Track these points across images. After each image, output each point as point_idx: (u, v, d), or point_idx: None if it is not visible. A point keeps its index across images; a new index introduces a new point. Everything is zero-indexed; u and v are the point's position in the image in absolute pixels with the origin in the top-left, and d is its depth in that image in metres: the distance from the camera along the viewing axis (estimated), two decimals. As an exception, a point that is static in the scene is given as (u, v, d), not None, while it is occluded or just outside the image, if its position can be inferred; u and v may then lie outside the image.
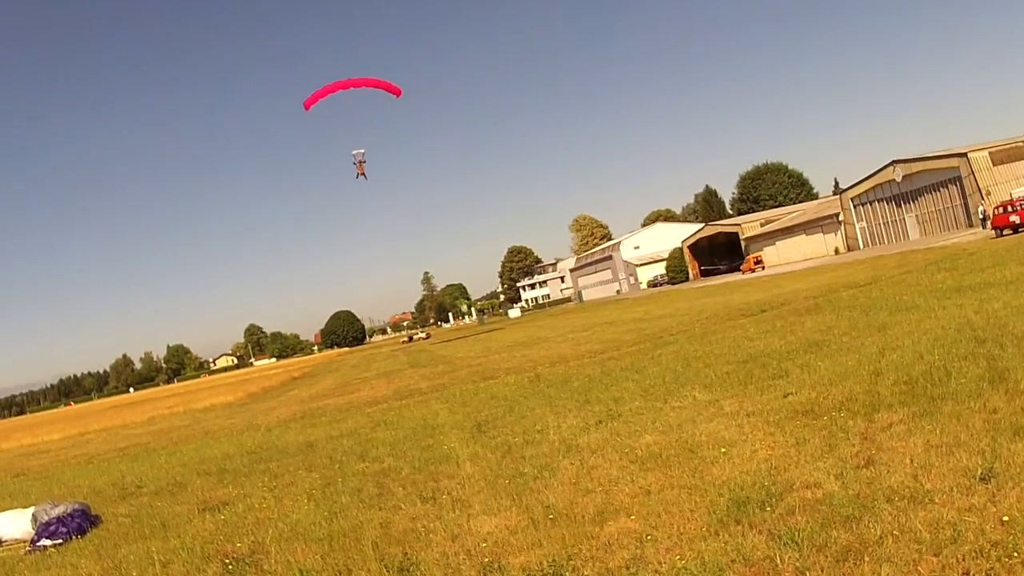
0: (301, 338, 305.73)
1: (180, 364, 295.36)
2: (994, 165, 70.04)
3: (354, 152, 58.61)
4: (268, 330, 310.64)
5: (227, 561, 10.65)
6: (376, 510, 12.01)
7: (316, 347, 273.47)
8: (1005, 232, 48.33)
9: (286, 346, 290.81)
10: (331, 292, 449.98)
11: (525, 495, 11.00)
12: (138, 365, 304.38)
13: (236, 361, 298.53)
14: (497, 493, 11.46)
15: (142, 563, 11.48)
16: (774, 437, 11.19)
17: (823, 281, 45.42)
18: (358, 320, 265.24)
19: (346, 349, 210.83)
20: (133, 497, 18.20)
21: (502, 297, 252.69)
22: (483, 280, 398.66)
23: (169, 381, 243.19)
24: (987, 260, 32.14)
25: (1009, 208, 49.19)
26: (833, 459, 9.57)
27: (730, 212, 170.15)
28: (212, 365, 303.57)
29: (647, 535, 8.47)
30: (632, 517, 9.15)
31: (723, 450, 11.03)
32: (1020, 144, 71.45)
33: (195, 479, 19.04)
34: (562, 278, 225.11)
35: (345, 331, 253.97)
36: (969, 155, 70.63)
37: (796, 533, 7.58)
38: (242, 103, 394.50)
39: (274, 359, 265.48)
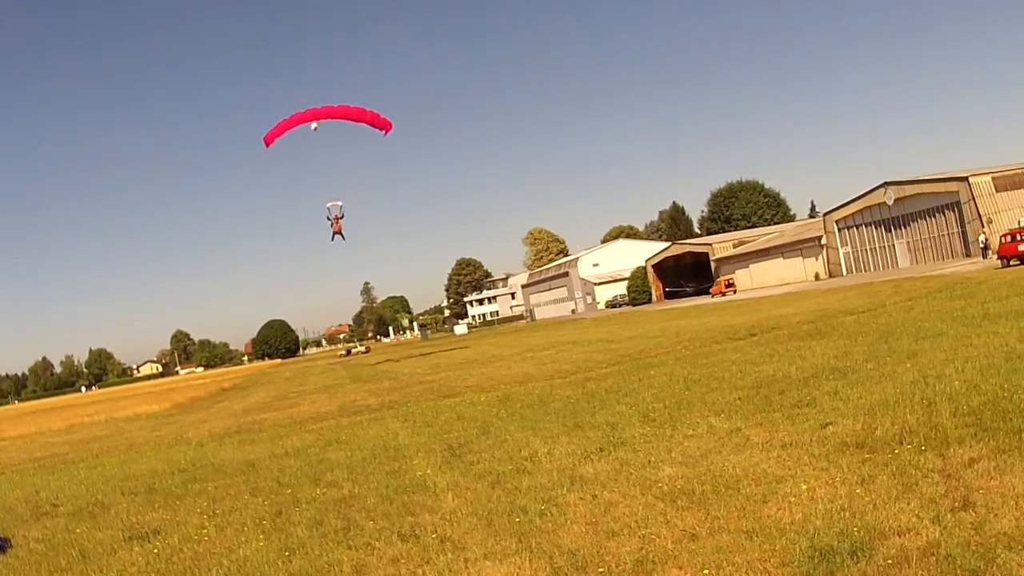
0: (231, 347, 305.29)
1: (102, 370, 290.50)
2: (997, 191, 70.40)
3: (328, 206, 56.00)
4: (196, 337, 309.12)
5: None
6: (344, 548, 10.78)
7: (246, 357, 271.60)
8: (1012, 262, 48.31)
9: (214, 355, 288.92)
10: (264, 300, 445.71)
11: (533, 536, 9.88)
12: (58, 369, 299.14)
13: (161, 369, 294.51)
14: (496, 532, 10.33)
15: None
16: (828, 473, 10.42)
17: (811, 306, 45.62)
18: (292, 330, 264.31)
19: (279, 361, 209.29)
20: (48, 517, 16.86)
21: (447, 312, 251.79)
22: (428, 293, 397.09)
23: (90, 387, 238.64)
24: (1005, 289, 32.08)
25: (1018, 237, 49.21)
26: (918, 500, 8.82)
27: (697, 231, 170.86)
28: (136, 372, 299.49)
29: (712, 593, 7.46)
30: (683, 570, 8.09)
31: (770, 487, 10.21)
32: (1026, 170, 72.11)
33: (119, 499, 17.71)
34: (513, 294, 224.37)
35: (278, 341, 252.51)
36: (970, 179, 70.87)
37: (916, 593, 6.67)
38: (170, 96, 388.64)
39: (201, 368, 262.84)
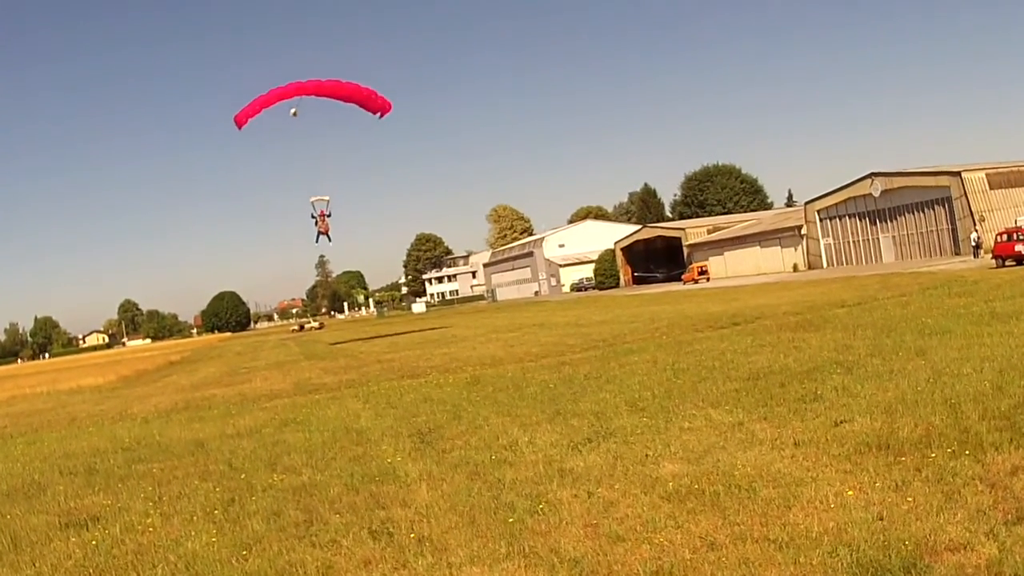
0: (180, 319, 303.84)
1: (47, 339, 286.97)
2: (991, 189, 70.52)
3: (313, 201, 53.35)
4: (144, 308, 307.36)
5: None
6: (307, 546, 10.01)
7: (195, 330, 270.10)
8: (1008, 263, 48.23)
9: (162, 327, 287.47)
10: (216, 270, 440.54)
11: (525, 539, 9.16)
12: (1, 337, 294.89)
13: (107, 340, 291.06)
14: (480, 533, 9.61)
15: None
16: (854, 476, 9.88)
17: (794, 297, 45.42)
18: (243, 303, 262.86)
19: (229, 334, 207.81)
20: (-20, 498, 15.95)
21: (404, 289, 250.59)
22: (385, 269, 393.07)
23: (35, 357, 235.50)
24: (1008, 289, 31.86)
25: (1016, 236, 49.12)
26: (964, 511, 8.31)
27: (669, 215, 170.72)
28: (81, 342, 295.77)
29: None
30: (709, 585, 7.39)
31: (791, 490, 9.63)
32: (1023, 168, 71.97)
33: (57, 479, 16.77)
34: (474, 273, 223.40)
35: (229, 314, 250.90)
36: (963, 175, 70.92)
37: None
38: (126, 55, 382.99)
39: (148, 340, 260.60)
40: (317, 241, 53.92)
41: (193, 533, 11.07)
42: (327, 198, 53.16)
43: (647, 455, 12.17)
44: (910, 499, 8.76)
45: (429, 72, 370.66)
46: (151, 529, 11.62)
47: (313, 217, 52.92)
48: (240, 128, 45.59)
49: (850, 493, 9.12)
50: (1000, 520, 7.92)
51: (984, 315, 23.62)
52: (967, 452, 10.06)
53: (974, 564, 7.05)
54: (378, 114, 48.09)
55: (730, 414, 14.38)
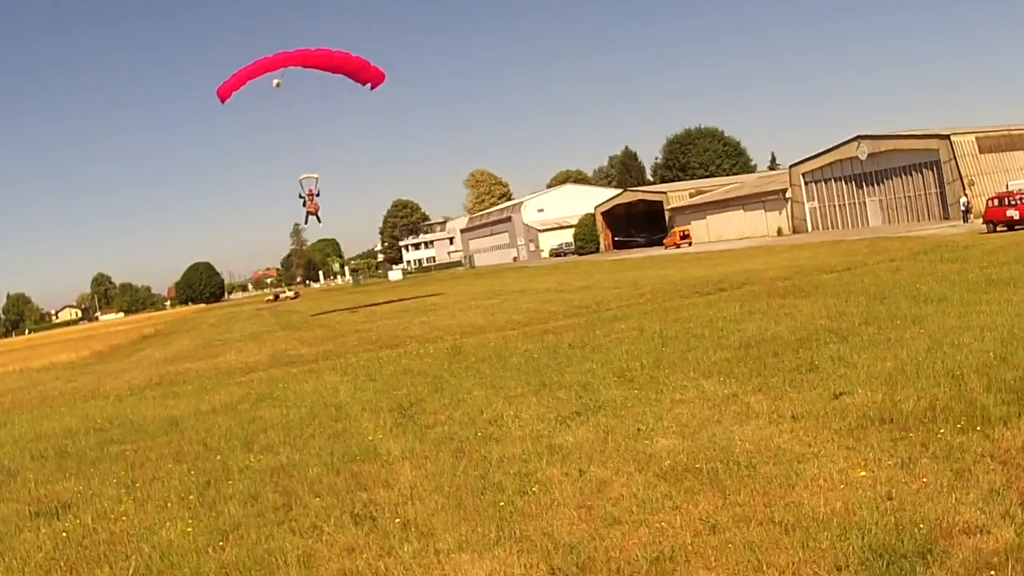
0: (153, 291, 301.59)
1: (20, 315, 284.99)
2: (981, 153, 70.16)
3: (301, 179, 52.42)
4: (117, 280, 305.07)
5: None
6: (287, 532, 9.75)
7: (168, 302, 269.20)
8: (999, 228, 48.08)
9: (136, 299, 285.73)
10: (189, 240, 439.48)
11: (516, 522, 8.93)
12: None
13: (80, 314, 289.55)
14: (468, 516, 9.36)
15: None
16: (858, 453, 9.69)
17: (780, 262, 45.46)
18: (217, 274, 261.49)
19: (203, 305, 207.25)
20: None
21: (380, 256, 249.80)
22: (362, 236, 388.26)
23: (8, 334, 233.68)
24: (1002, 255, 31.58)
25: (1007, 201, 48.93)
26: (977, 491, 8.11)
27: (651, 179, 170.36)
28: (55, 317, 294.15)
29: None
30: (712, 572, 7.16)
31: (792, 467, 9.42)
32: (1013, 132, 71.89)
33: (28, 464, 16.47)
34: (451, 239, 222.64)
35: (203, 285, 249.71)
36: (952, 138, 70.46)
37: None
38: (97, 25, 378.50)
39: (122, 313, 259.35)
40: (306, 222, 53.17)
41: (168, 520, 10.83)
42: (316, 176, 52.44)
43: (639, 429, 11.98)
44: (919, 478, 8.57)
45: (406, 37, 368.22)
46: (124, 517, 11.34)
47: (301, 197, 52.23)
48: (224, 102, 44.49)
49: (862, 473, 8.88)
50: (1016, 501, 7.71)
51: (980, 282, 23.48)
52: (975, 427, 9.88)
53: (991, 548, 6.83)
54: (368, 85, 46.91)
55: (723, 385, 14.22)
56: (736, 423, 11.63)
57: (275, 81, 43.28)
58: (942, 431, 9.87)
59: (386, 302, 65.39)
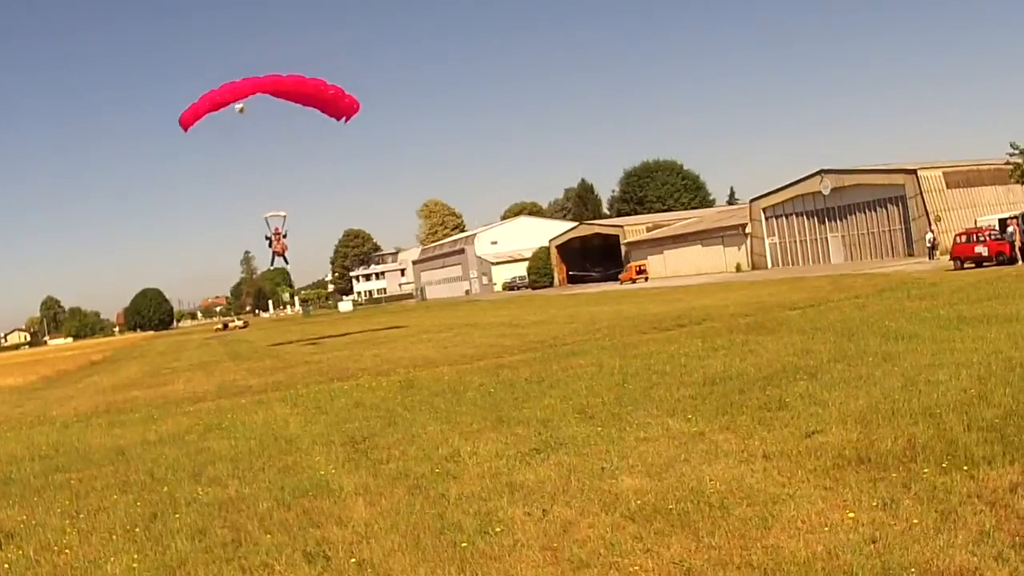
0: (102, 316, 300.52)
1: None
2: (948, 188, 71.25)
3: (267, 217, 50.89)
4: (67, 305, 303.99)
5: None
6: (237, 570, 9.49)
7: (117, 328, 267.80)
8: (967, 264, 48.54)
9: (85, 324, 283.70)
10: (139, 266, 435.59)
11: (478, 564, 8.68)
12: None
13: (29, 338, 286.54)
14: (427, 557, 9.10)
15: None
16: (836, 493, 9.55)
17: (740, 298, 45.70)
18: (167, 301, 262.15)
19: (151, 333, 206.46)
20: None
21: (331, 287, 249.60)
22: (312, 266, 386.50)
23: None
24: (972, 292, 31.83)
25: (975, 238, 49.41)
26: (966, 533, 7.99)
27: (607, 212, 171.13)
28: (3, 341, 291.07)
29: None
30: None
31: (767, 508, 9.24)
32: (981, 168, 72.84)
33: (-30, 492, 16.21)
34: (403, 271, 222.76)
35: (151, 312, 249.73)
36: (919, 173, 71.49)
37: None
38: (45, 38, 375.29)
39: (70, 338, 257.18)
40: (272, 263, 52.20)
41: (113, 554, 10.66)
42: (283, 214, 51.18)
43: (603, 468, 11.79)
44: (903, 519, 8.44)
45: (360, 63, 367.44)
46: (68, 549, 11.16)
47: (268, 238, 51.11)
48: (186, 130, 42.57)
49: (851, 515, 8.69)
50: (1007, 543, 7.60)
51: (952, 319, 23.55)
52: (959, 467, 9.78)
53: (988, 596, 6.62)
54: (343, 119, 44.99)
55: (689, 423, 14.07)
56: (705, 462, 11.44)
57: (238, 107, 41.74)
58: (925, 471, 9.76)
59: (339, 335, 64.94)
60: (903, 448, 10.81)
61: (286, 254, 51.70)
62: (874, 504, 8.94)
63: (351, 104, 44.47)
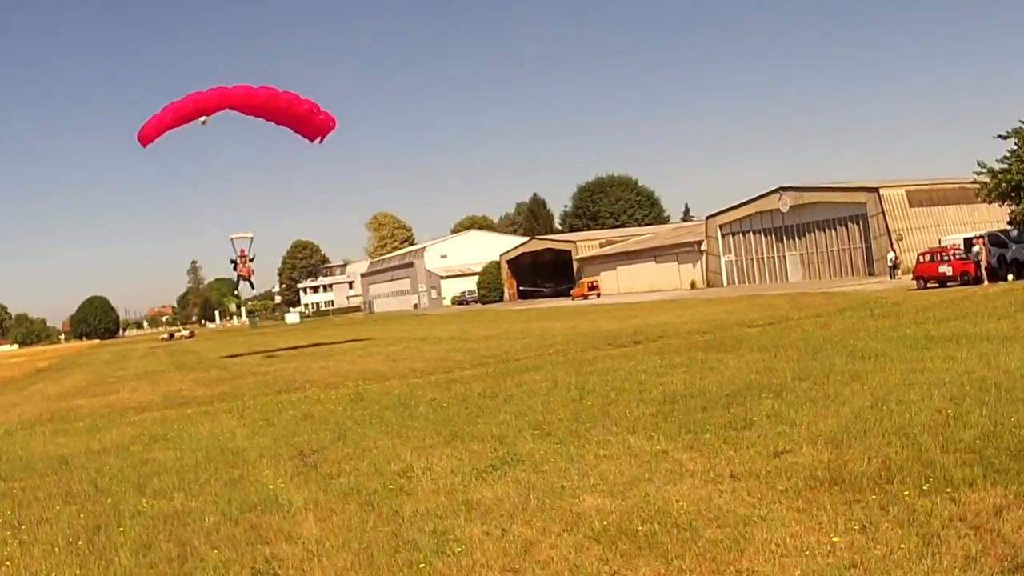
0: (48, 324, 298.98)
1: None
2: (911, 206, 71.84)
3: (233, 239, 50.27)
4: (13, 311, 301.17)
5: None
6: None
7: (63, 336, 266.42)
8: (930, 284, 48.82)
9: (31, 331, 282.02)
10: (86, 274, 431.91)
11: None
12: None
13: None
14: None
15: None
16: (810, 515, 9.33)
17: (697, 316, 46.00)
18: (113, 309, 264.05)
19: (97, 341, 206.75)
20: None
21: (278, 299, 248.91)
22: (259, 276, 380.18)
23: None
24: (938, 312, 31.93)
25: (940, 257, 49.71)
26: (951, 558, 7.76)
27: (559, 227, 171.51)
28: None
29: None
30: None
31: (739, 530, 9.00)
32: (945, 186, 73.49)
33: (-90, 502, 16.02)
34: (351, 283, 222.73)
35: (98, 320, 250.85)
36: (881, 191, 71.96)
37: None
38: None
39: (16, 345, 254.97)
40: (237, 286, 51.43)
41: (54, 568, 10.51)
42: (250, 235, 50.64)
43: (563, 486, 11.56)
44: (883, 544, 8.20)
45: (308, 73, 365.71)
46: (9, 561, 11.05)
47: (233, 261, 50.58)
48: (144, 146, 40.76)
49: (836, 539, 8.44)
50: (996, 569, 7.41)
51: (919, 338, 23.59)
52: (940, 489, 9.60)
53: (979, 625, 6.41)
54: (318, 139, 43.50)
55: (651, 441, 13.88)
56: (669, 482, 11.23)
57: (202, 119, 40.40)
58: (904, 493, 9.57)
59: (287, 348, 64.60)
60: (878, 469, 10.64)
61: (252, 279, 51.05)
62: (852, 527, 8.72)
63: (325, 122, 43.15)
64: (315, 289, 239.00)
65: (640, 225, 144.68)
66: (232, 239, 50.25)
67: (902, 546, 8.05)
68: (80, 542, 11.49)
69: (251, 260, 50.43)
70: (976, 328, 24.71)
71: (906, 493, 9.55)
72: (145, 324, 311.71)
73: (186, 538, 11.20)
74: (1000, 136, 48.88)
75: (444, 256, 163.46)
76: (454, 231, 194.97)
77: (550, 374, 24.87)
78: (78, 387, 45.50)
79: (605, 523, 9.63)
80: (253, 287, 50.87)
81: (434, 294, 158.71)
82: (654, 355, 27.00)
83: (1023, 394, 14.37)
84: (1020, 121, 47.90)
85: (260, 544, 10.53)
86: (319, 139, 43.60)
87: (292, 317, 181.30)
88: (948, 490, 9.53)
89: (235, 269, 50.62)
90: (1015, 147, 47.79)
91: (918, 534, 8.33)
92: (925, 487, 9.67)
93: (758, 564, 7.97)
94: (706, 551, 8.45)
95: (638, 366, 24.36)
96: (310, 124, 42.72)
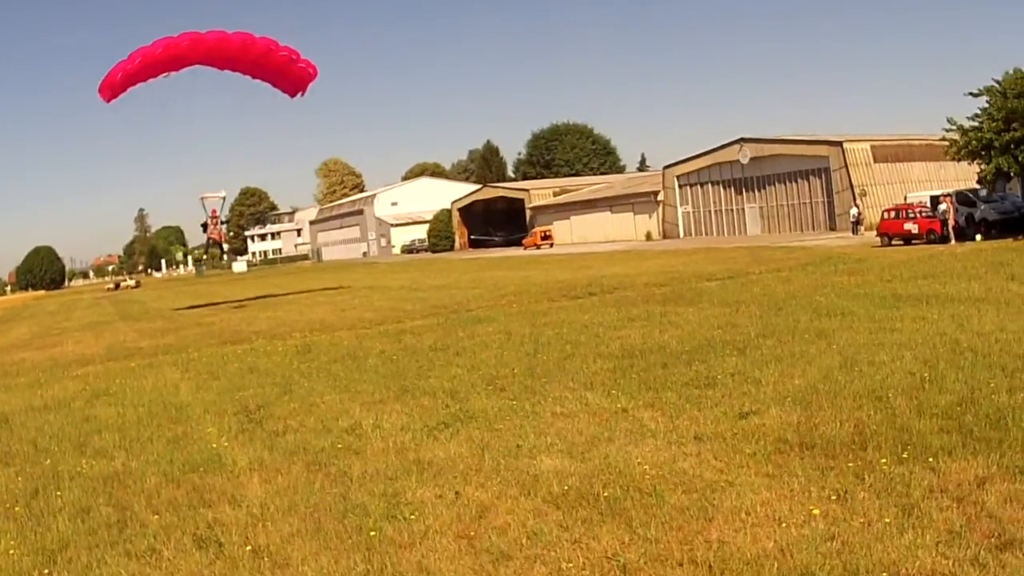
0: None
1: None
2: (875, 162, 71.58)
3: (203, 198, 49.36)
4: None
5: None
6: (121, 555, 8.92)
7: (9, 287, 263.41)
8: (895, 241, 48.80)
9: None
10: (32, 223, 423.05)
11: (387, 553, 8.10)
12: None
13: None
14: (330, 544, 8.54)
15: None
16: (781, 482, 9.06)
17: (652, 268, 45.96)
18: (59, 259, 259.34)
19: (43, 292, 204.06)
20: None
21: (226, 247, 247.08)
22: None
23: None
24: (905, 270, 31.63)
25: (905, 214, 49.66)
26: (933, 532, 7.49)
27: (512, 175, 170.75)
28: None
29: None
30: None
31: (706, 497, 8.76)
32: (912, 143, 73.42)
33: None
34: (299, 231, 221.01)
35: (43, 271, 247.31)
36: (845, 145, 71.60)
37: None
38: None
39: None
40: (207, 248, 50.48)
41: None
42: (223, 195, 50.21)
43: (519, 446, 11.33)
44: (860, 514, 7.95)
45: (258, 18, 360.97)
46: None
47: (204, 224, 49.89)
48: (108, 101, 38.54)
49: (815, 511, 8.11)
50: (983, 545, 7.11)
51: (887, 297, 23.37)
52: (916, 457, 9.34)
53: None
54: (298, 94, 41.47)
55: (610, 399, 13.70)
56: (631, 443, 11.00)
57: (166, 73, 38.32)
58: (883, 461, 9.30)
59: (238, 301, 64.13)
60: (851, 434, 10.40)
61: (223, 243, 50.11)
62: (827, 496, 8.46)
63: (305, 69, 41.02)
64: (263, 237, 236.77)
65: (595, 174, 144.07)
66: (203, 199, 49.59)
67: (881, 518, 7.79)
68: (17, 508, 11.21)
69: (224, 222, 49.61)
70: (946, 288, 24.45)
71: (883, 460, 9.30)
72: (91, 274, 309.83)
73: (126, 501, 10.96)
74: (971, 93, 48.57)
75: (395, 203, 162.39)
76: (405, 178, 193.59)
77: (503, 326, 24.75)
78: (22, 340, 45.13)
79: (564, 486, 9.37)
80: (224, 251, 49.78)
81: (384, 242, 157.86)
82: (610, 307, 26.91)
83: (1000, 359, 14.09)
84: (992, 79, 47.65)
85: (202, 508, 10.31)
86: (300, 92, 41.72)
87: (239, 266, 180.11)
88: (927, 459, 9.25)
89: (205, 231, 49.73)
90: (987, 105, 47.55)
91: (897, 505, 8.09)
92: (904, 455, 9.41)
93: (728, 534, 7.68)
94: (672, 519, 8.19)
95: (594, 319, 24.24)
96: (290, 74, 40.85)
